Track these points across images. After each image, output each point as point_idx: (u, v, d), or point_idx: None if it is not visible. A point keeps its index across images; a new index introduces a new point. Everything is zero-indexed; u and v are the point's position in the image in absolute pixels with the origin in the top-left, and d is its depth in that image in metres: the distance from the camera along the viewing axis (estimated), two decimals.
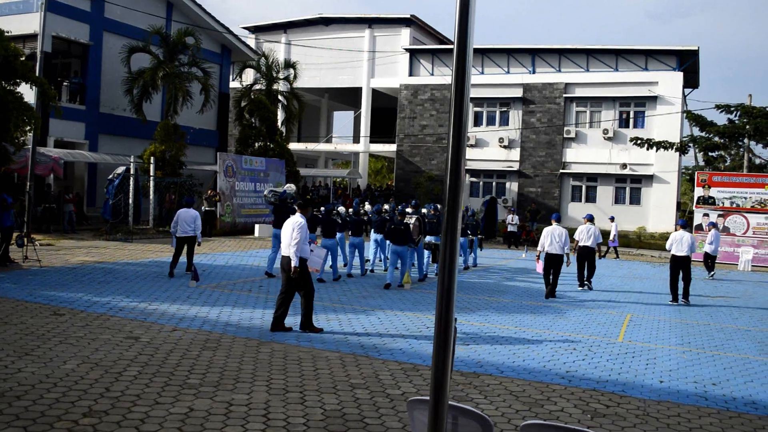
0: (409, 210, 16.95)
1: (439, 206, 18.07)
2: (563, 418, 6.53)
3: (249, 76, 36.47)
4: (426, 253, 16.83)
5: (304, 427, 5.93)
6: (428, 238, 16.57)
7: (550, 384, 7.75)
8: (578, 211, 36.23)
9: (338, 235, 15.93)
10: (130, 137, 28.93)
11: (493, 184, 38.91)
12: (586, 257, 16.02)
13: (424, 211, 17.72)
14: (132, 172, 23.78)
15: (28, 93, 18.50)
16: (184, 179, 27.38)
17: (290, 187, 17.08)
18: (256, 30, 45.38)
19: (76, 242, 20.38)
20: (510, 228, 29.75)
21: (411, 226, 15.28)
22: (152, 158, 25.64)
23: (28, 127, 17.24)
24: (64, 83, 27.52)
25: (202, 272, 15.06)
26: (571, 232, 18.52)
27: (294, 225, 9.81)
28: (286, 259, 9.72)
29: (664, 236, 32.54)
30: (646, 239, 32.42)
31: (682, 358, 9.42)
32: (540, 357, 9.01)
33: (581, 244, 15.96)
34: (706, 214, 26.59)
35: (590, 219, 16.46)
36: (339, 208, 16.55)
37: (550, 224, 14.88)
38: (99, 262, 16.14)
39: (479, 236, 21.55)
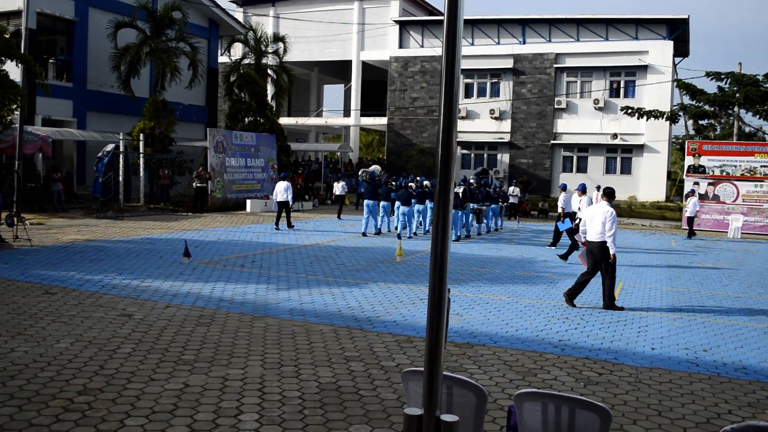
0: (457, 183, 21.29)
1: (471, 180, 22.76)
2: (557, 387, 6.59)
3: (237, 50, 36.15)
4: (471, 216, 21.17)
5: (300, 400, 5.97)
6: (465, 205, 20.20)
7: (543, 353, 7.81)
8: (569, 181, 36.23)
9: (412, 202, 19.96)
10: (118, 114, 28.69)
11: (485, 155, 38.90)
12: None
13: (471, 181, 22.64)
14: (122, 149, 23.62)
15: (13, 71, 18.26)
16: (174, 156, 27.23)
17: (377, 168, 25.32)
18: (243, 3, 44.90)
19: (67, 221, 20.30)
20: (511, 199, 29.74)
21: (459, 194, 19.22)
22: (141, 135, 25.46)
23: (15, 106, 17.05)
24: (50, 60, 27.19)
25: (195, 248, 15.04)
26: None
27: (606, 214, 10.38)
28: (596, 245, 10.42)
29: (655, 205, 32.78)
30: (637, 208, 32.55)
31: (674, 326, 9.50)
32: (533, 327, 9.07)
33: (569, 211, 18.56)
34: (696, 183, 26.69)
35: (583, 190, 18.48)
36: (410, 183, 20.56)
37: (559, 193, 18.82)
38: (90, 240, 16.09)
39: (504, 204, 24.92)
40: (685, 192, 27.08)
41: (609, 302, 10.49)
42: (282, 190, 20.84)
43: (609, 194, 10.86)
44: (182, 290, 10.60)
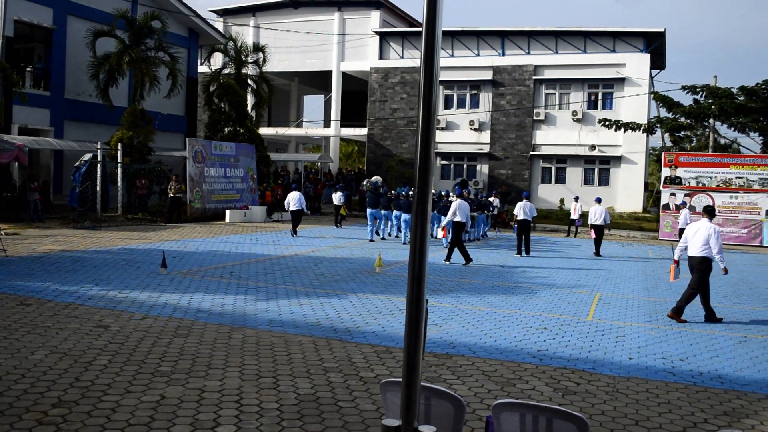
0: (451, 193, 23.50)
1: (466, 190, 24.64)
2: (535, 397, 6.61)
3: (217, 60, 36.06)
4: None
5: (278, 412, 5.93)
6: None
7: (521, 363, 7.84)
8: (548, 192, 36.56)
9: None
10: (96, 123, 28.46)
11: (464, 166, 39.06)
12: (599, 233, 20.43)
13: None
14: (99, 158, 23.42)
15: None
16: (152, 165, 27.05)
17: (378, 179, 27.17)
18: (224, 13, 44.85)
19: (43, 231, 20.08)
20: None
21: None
22: (120, 144, 25.26)
23: None
24: (28, 69, 26.94)
25: (173, 259, 14.94)
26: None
27: (710, 230, 10.73)
28: (697, 259, 10.76)
29: (632, 216, 33.08)
30: (614, 219, 32.77)
31: (651, 335, 9.58)
32: (512, 337, 9.10)
33: (592, 222, 20.53)
34: (672, 194, 26.98)
35: (598, 201, 21.39)
36: (410, 192, 21.83)
37: (521, 200, 19.50)
38: (67, 251, 15.92)
39: (489, 213, 26.47)
40: (664, 203, 27.42)
41: (675, 312, 10.80)
42: (295, 200, 22.39)
43: (710, 212, 11.24)
44: (159, 301, 10.51)
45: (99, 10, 27.93)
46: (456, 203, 17.09)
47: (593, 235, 20.63)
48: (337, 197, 26.99)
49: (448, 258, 17.03)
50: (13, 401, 5.85)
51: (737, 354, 8.72)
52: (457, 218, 16.98)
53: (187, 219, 25.78)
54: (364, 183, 26.93)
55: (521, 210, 19.07)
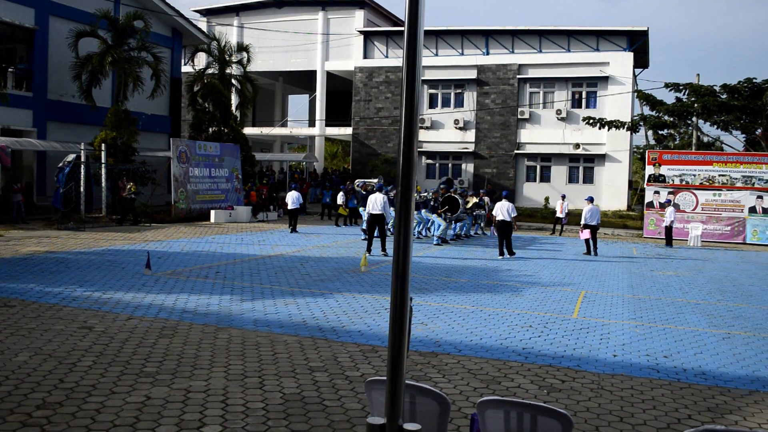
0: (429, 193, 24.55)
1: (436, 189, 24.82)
2: (520, 394, 6.64)
3: (201, 60, 35.91)
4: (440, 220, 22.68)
5: (264, 412, 5.92)
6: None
7: (507, 361, 7.87)
8: (533, 191, 36.69)
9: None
10: (80, 124, 28.27)
11: (449, 165, 39.11)
12: (594, 231, 20.41)
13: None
14: (83, 159, 23.26)
15: None
16: (136, 166, 26.90)
17: (374, 182, 27.60)
18: (207, 13, 44.64)
19: (26, 232, 19.91)
20: (479, 211, 29.78)
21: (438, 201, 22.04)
22: (103, 145, 25.10)
23: None
24: (9, 69, 26.73)
25: (158, 259, 14.87)
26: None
27: None
28: None
29: (617, 214, 33.28)
30: None
31: (635, 333, 9.64)
32: (497, 335, 9.13)
33: (587, 222, 20.33)
34: (657, 192, 27.17)
35: (591, 200, 21.03)
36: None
37: (500, 200, 19.12)
38: (51, 252, 15.80)
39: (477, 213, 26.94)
40: (649, 201, 27.63)
41: None
42: (293, 200, 23.57)
43: None
44: (144, 302, 10.46)
45: (81, 11, 27.75)
46: (373, 197, 18.35)
47: (587, 235, 20.16)
48: (339, 197, 27.53)
49: (383, 249, 18.19)
50: None
51: (721, 350, 8.79)
52: (375, 211, 18.08)
53: (172, 219, 25.69)
54: (356, 182, 27.83)
55: (500, 211, 18.62)
